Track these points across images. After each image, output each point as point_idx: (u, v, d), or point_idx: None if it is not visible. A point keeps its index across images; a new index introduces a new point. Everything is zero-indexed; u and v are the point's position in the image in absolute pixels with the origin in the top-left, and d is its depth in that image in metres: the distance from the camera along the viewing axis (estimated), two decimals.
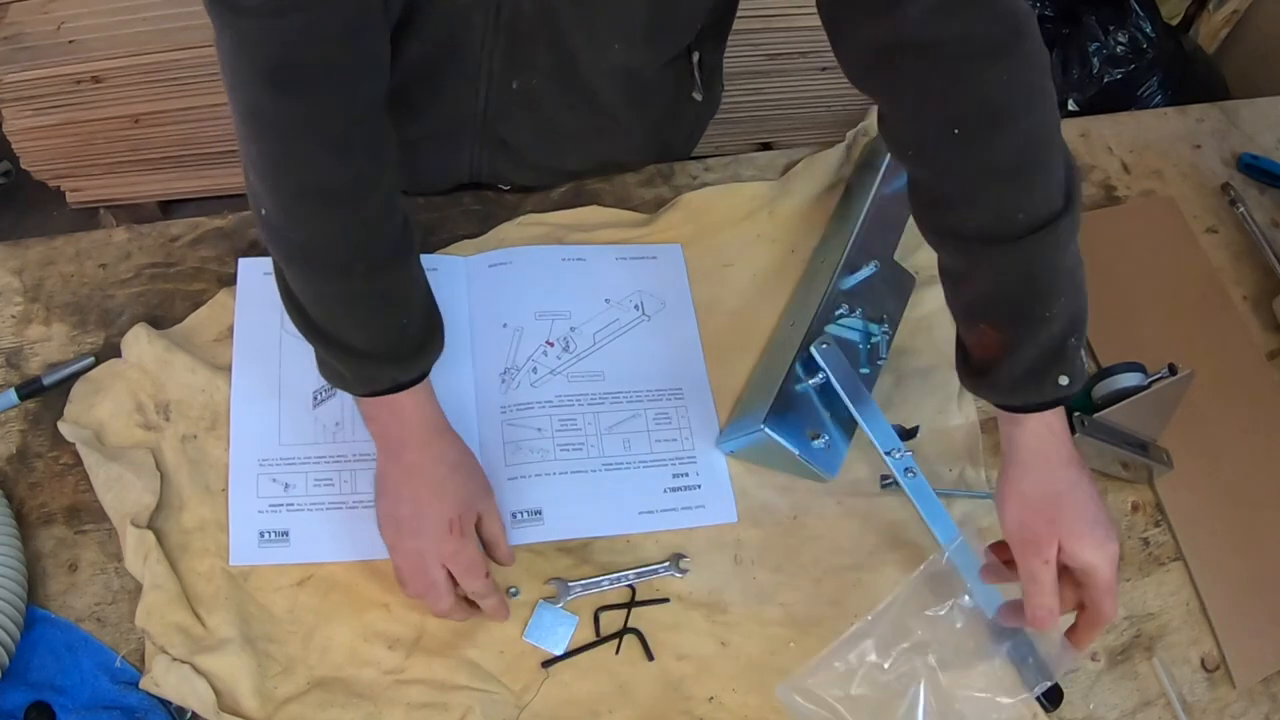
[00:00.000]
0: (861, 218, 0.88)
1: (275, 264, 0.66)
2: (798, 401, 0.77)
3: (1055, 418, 0.65)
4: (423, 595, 0.69)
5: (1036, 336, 0.62)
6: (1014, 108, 0.59)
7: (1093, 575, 0.64)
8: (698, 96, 0.89)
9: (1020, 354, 0.63)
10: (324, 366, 0.69)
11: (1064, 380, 0.63)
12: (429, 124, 0.82)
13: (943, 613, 0.73)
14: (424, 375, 0.69)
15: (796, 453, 0.75)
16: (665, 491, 0.80)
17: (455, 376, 0.83)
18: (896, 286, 0.88)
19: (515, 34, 0.74)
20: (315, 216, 0.62)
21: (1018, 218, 0.59)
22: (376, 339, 0.66)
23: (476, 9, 0.72)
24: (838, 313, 0.82)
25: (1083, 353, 0.64)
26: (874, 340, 0.83)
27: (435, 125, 0.83)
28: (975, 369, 0.67)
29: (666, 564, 0.76)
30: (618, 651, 0.73)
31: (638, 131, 0.92)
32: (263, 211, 0.62)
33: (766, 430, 0.75)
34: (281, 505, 0.75)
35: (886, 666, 0.71)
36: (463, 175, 0.91)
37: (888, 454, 0.76)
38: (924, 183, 0.65)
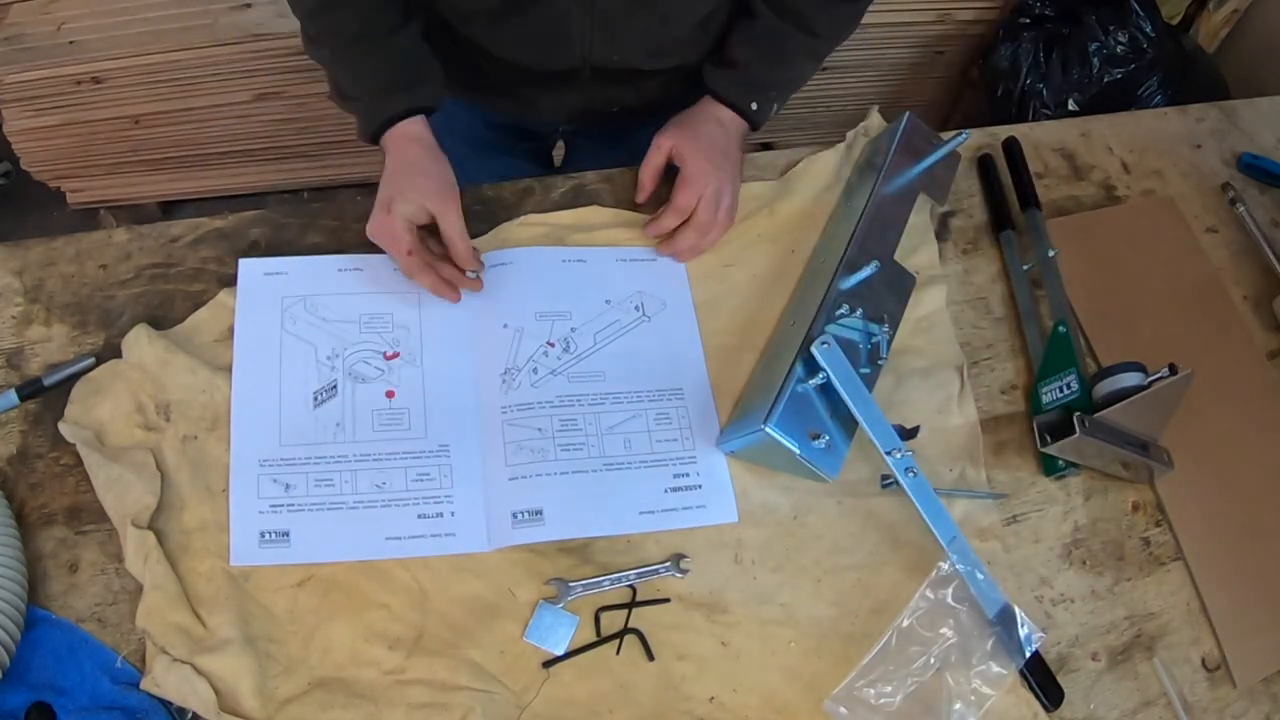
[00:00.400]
0: (861, 218, 0.88)
1: (319, 55, 0.85)
2: (798, 401, 0.77)
3: (732, 119, 0.93)
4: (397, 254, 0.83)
5: (760, 71, 0.92)
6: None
7: (683, 166, 0.90)
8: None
9: (745, 71, 0.92)
10: (358, 126, 0.86)
11: (754, 105, 0.93)
12: (541, 62, 0.92)
13: (952, 619, 0.74)
14: (417, 109, 0.85)
15: (797, 452, 0.75)
16: (666, 491, 0.80)
17: (456, 376, 0.83)
18: (897, 286, 0.88)
19: None
20: (328, 12, 0.82)
21: (800, 17, 0.90)
22: (381, 80, 0.85)
23: None
24: (838, 313, 0.82)
25: (775, 106, 0.95)
26: (874, 340, 0.83)
27: (547, 10, 0.87)
28: (718, 65, 0.94)
29: (667, 564, 0.76)
30: (618, 652, 0.73)
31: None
32: (308, 32, 0.83)
33: (768, 430, 0.75)
34: (282, 506, 0.75)
35: (915, 668, 0.73)
36: (579, 99, 0.98)
37: (888, 454, 0.76)
38: None
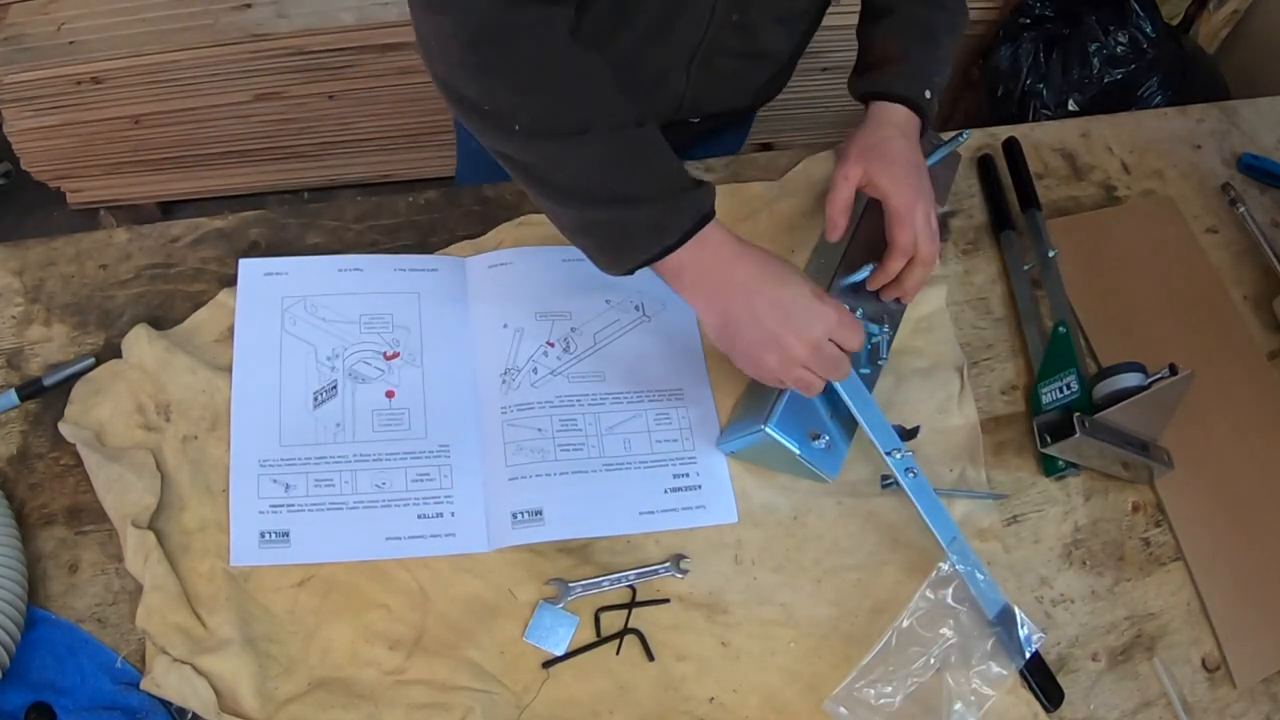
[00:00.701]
0: (861, 217, 0.88)
1: (539, 177, 0.70)
2: (798, 402, 0.77)
3: (908, 120, 0.85)
4: (830, 375, 0.74)
5: (921, 58, 0.87)
6: None
7: (887, 201, 0.81)
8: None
9: (907, 62, 0.86)
10: (630, 237, 0.71)
11: (928, 94, 0.86)
12: (649, 66, 0.85)
13: (952, 620, 0.74)
14: (713, 202, 0.72)
15: (797, 453, 0.75)
16: (666, 492, 0.80)
17: (456, 376, 0.83)
18: None
19: None
20: (576, 93, 0.69)
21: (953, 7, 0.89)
22: (671, 175, 0.71)
23: None
24: None
25: (936, 101, 0.88)
26: (874, 340, 0.83)
27: (658, 64, 0.85)
28: (868, 72, 0.88)
29: (667, 564, 0.76)
30: (618, 652, 0.73)
31: (803, 44, 0.97)
32: (517, 127, 0.68)
33: (768, 430, 0.75)
34: (282, 506, 0.75)
35: (914, 668, 0.73)
36: (670, 104, 0.92)
37: (888, 454, 0.76)
38: None
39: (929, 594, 0.75)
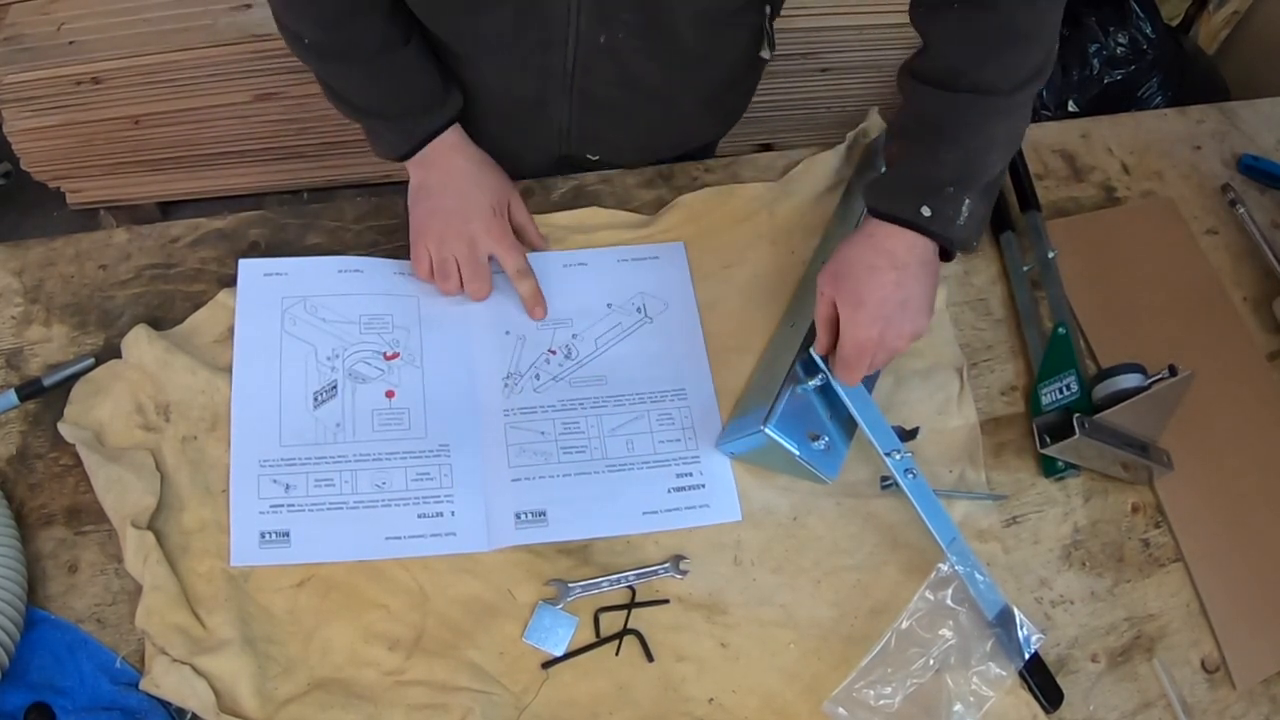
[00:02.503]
0: (861, 218, 0.88)
1: (321, 80, 0.83)
2: (798, 403, 0.77)
3: (904, 245, 0.73)
4: (470, 279, 0.84)
5: (921, 165, 0.72)
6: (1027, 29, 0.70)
7: (842, 331, 0.74)
8: (765, 55, 0.88)
9: (902, 170, 0.74)
10: (373, 139, 0.85)
11: (926, 211, 0.71)
12: (521, 89, 0.86)
13: (951, 620, 0.74)
14: (449, 122, 0.84)
15: (797, 454, 0.75)
16: (669, 492, 0.80)
17: (456, 377, 0.83)
18: None
19: None
20: (346, 23, 0.77)
21: (961, 75, 0.70)
22: (407, 101, 0.82)
23: None
24: None
25: (965, 204, 0.72)
26: None
27: (526, 89, 0.86)
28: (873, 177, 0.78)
29: (666, 565, 0.76)
30: (618, 653, 0.73)
31: (708, 91, 0.93)
32: (305, 40, 0.79)
33: (767, 431, 0.75)
34: (282, 506, 0.75)
35: (914, 669, 0.73)
36: (555, 142, 0.93)
37: (888, 455, 0.76)
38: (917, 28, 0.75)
39: (928, 595, 0.75)
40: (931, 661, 0.73)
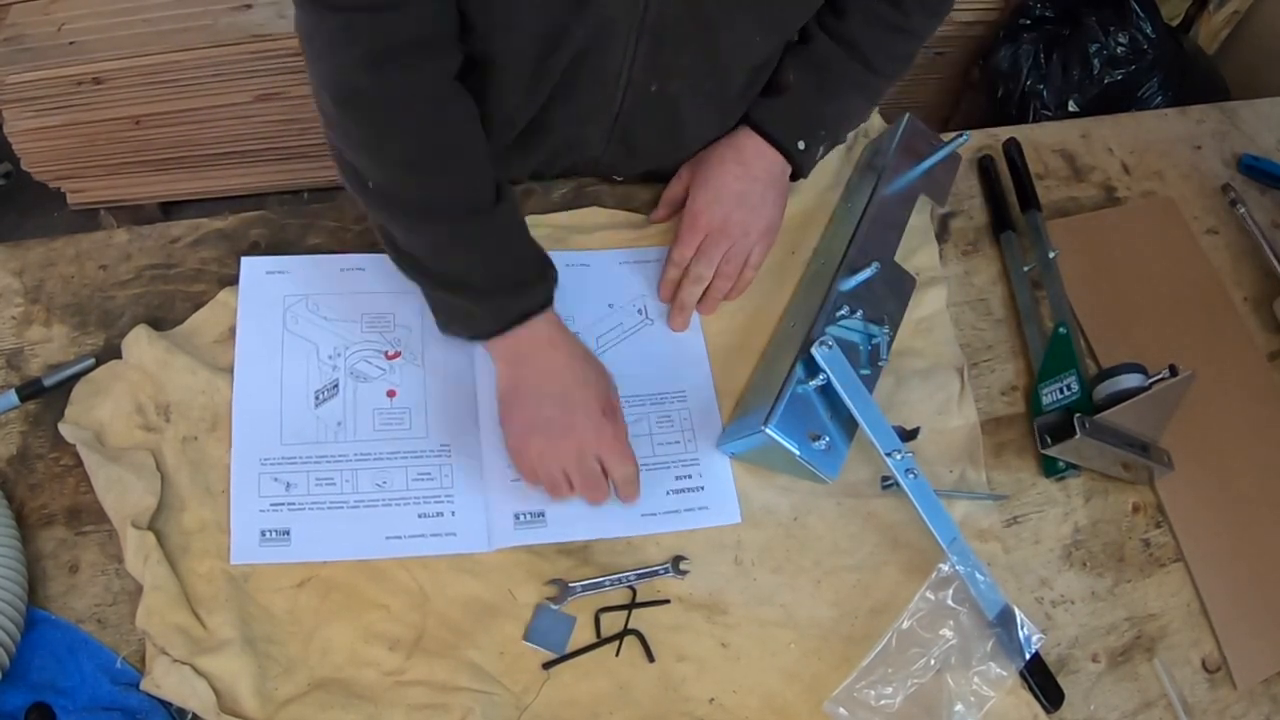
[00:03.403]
0: (861, 218, 0.88)
1: (387, 235, 0.73)
2: (799, 403, 0.77)
3: (764, 162, 0.84)
4: (584, 489, 0.74)
5: (808, 107, 0.84)
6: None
7: (686, 206, 0.84)
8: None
9: (792, 106, 0.83)
10: (451, 316, 0.75)
11: (800, 145, 0.83)
12: (564, 127, 0.84)
13: (952, 620, 0.74)
14: (548, 301, 0.75)
15: (797, 454, 0.75)
16: (668, 493, 0.80)
17: (458, 377, 0.83)
18: (897, 288, 0.88)
19: (660, 38, 0.73)
20: (429, 173, 0.69)
21: (861, 50, 0.83)
22: (504, 272, 0.73)
23: (622, 17, 0.71)
24: (838, 314, 0.82)
25: (821, 149, 0.87)
26: (875, 341, 0.83)
27: (568, 130, 0.84)
28: (764, 93, 0.85)
29: (666, 565, 0.76)
30: (618, 653, 0.73)
31: (734, 121, 0.91)
32: (369, 185, 0.69)
33: (768, 431, 0.75)
34: (283, 504, 0.75)
35: (915, 669, 0.73)
36: (582, 169, 0.92)
37: (888, 455, 0.76)
38: None
39: (929, 595, 0.75)
40: (932, 662, 0.73)
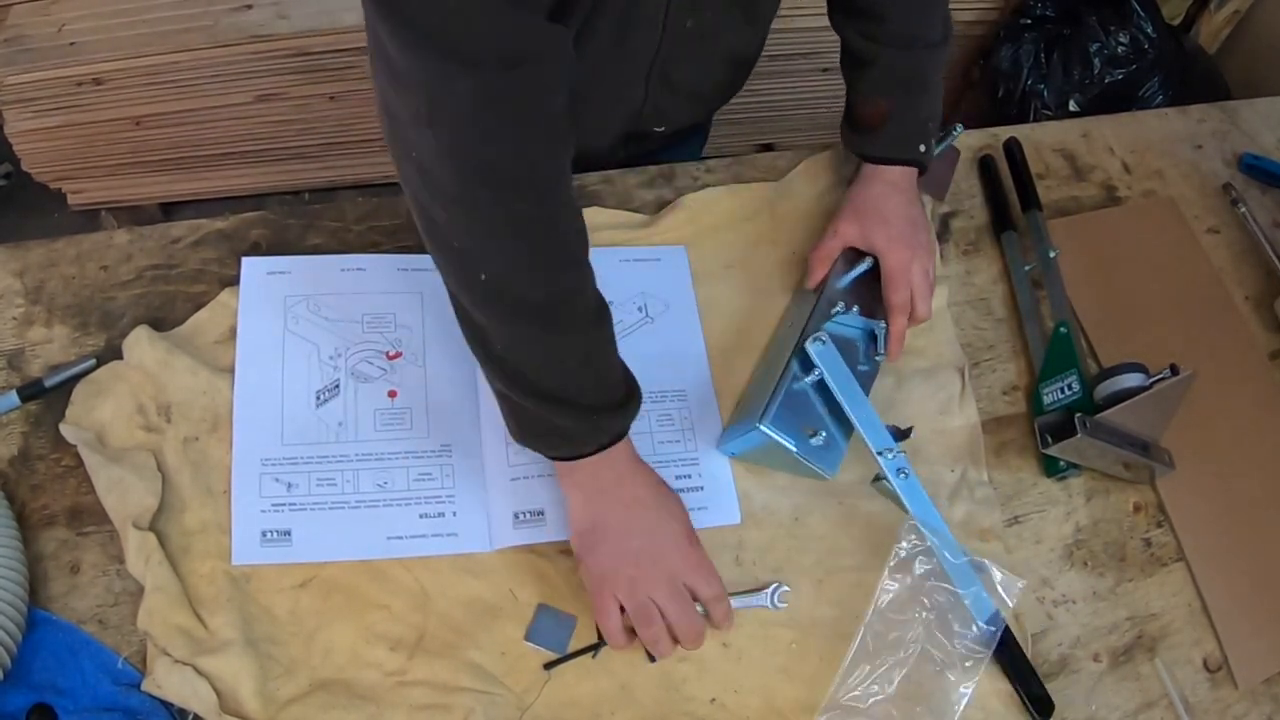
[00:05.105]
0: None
1: (480, 335, 0.65)
2: (795, 399, 0.77)
3: (904, 175, 0.86)
4: (678, 620, 0.68)
5: (911, 114, 0.86)
6: None
7: (883, 260, 0.84)
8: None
9: (899, 121, 0.85)
10: (536, 430, 0.68)
11: (922, 148, 0.86)
12: (605, 76, 0.80)
13: (925, 598, 0.74)
14: (633, 419, 0.70)
15: (794, 450, 0.75)
16: None
17: (458, 377, 0.83)
18: None
19: None
20: (558, 271, 0.63)
21: (917, 37, 0.84)
22: (606, 388, 0.68)
23: None
24: (834, 310, 0.82)
25: (934, 136, 0.88)
26: (873, 335, 0.83)
27: (611, 74, 0.82)
28: (860, 130, 0.87)
29: (766, 592, 0.76)
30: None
31: (757, 44, 0.93)
32: (482, 277, 0.62)
33: (763, 428, 0.75)
34: (284, 505, 0.75)
35: (899, 657, 0.73)
36: (630, 118, 0.90)
37: (880, 454, 0.76)
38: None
39: (890, 582, 0.75)
40: (912, 641, 0.73)
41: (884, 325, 0.84)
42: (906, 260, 0.83)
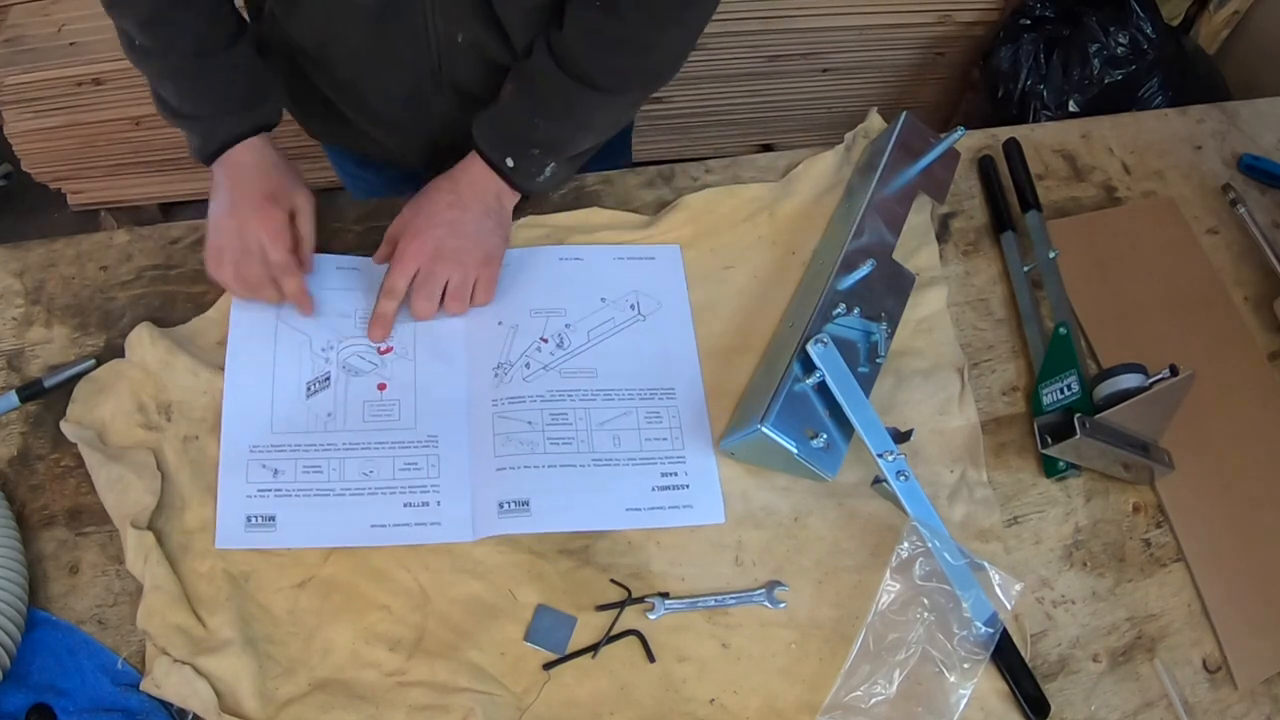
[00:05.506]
0: (860, 217, 0.88)
1: (148, 68, 0.79)
2: (796, 401, 0.77)
3: (473, 181, 0.82)
4: (237, 263, 0.79)
5: (518, 121, 0.81)
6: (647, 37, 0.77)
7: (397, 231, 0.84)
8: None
9: (503, 116, 0.81)
10: (191, 144, 0.82)
11: (510, 162, 0.81)
12: (396, 89, 0.85)
13: (925, 599, 0.74)
14: (259, 128, 0.81)
15: (794, 452, 0.75)
16: (653, 490, 0.79)
17: (448, 371, 0.83)
18: (896, 285, 0.88)
19: None
20: (162, 24, 0.75)
21: (573, 65, 0.77)
22: (210, 103, 0.79)
23: None
24: (835, 312, 0.82)
25: (549, 167, 0.82)
26: (873, 339, 0.83)
27: (401, 89, 0.85)
28: (485, 108, 0.83)
29: (761, 591, 0.77)
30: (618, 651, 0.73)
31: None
32: (136, 43, 0.76)
33: (763, 429, 0.75)
34: (270, 490, 0.75)
35: (899, 659, 0.73)
36: (438, 135, 0.91)
37: (880, 456, 0.76)
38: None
39: (892, 582, 0.75)
40: (913, 643, 0.73)
41: (884, 329, 0.84)
42: (411, 251, 0.81)
